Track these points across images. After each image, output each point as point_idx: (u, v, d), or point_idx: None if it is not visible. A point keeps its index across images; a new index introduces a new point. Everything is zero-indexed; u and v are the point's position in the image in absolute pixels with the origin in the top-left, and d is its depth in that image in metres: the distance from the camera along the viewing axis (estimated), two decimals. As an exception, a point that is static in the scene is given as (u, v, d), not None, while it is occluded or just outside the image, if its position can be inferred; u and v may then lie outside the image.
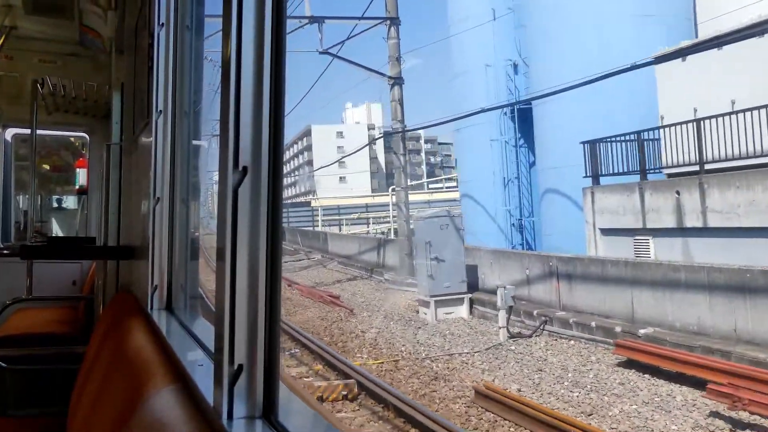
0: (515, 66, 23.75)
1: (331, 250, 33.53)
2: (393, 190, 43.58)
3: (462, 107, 22.62)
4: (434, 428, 7.76)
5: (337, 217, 55.87)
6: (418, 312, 16.53)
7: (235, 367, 1.31)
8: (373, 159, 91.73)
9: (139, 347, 2.08)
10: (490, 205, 23.71)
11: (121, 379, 1.97)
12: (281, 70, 1.35)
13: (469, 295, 16.03)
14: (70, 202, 9.85)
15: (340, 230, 48.65)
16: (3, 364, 3.96)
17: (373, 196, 54.89)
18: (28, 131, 6.00)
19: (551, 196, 20.48)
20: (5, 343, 4.46)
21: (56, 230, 9.53)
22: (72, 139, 9.38)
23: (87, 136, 7.47)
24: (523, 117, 22.87)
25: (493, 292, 14.21)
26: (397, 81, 21.79)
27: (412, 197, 53.03)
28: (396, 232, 45.25)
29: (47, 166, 9.62)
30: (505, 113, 23.42)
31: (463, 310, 15.88)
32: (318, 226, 52.46)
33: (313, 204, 45.36)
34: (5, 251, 5.75)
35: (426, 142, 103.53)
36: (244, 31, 1.35)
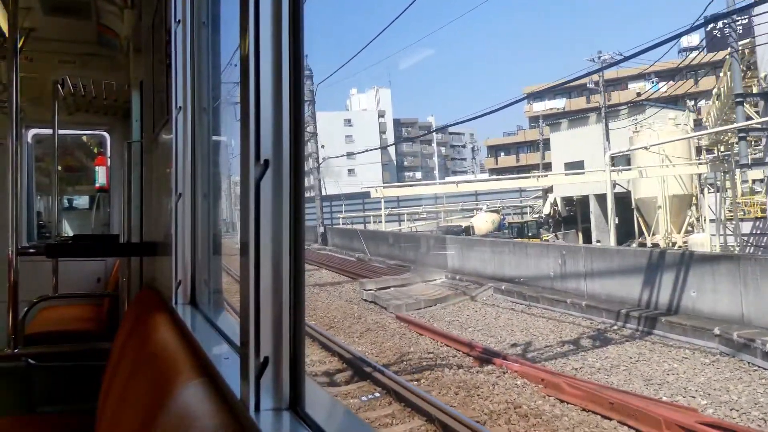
0: None
1: (462, 266, 20.75)
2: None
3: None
4: None
5: (360, 214, 49.38)
6: None
7: (261, 359, 1.32)
8: (383, 150, 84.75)
9: (165, 342, 2.10)
10: None
11: (148, 374, 1.99)
12: (300, 63, 1.35)
13: None
14: (83, 201, 9.91)
15: (365, 227, 43.13)
16: (31, 361, 4.02)
17: (455, 183, 41.97)
18: (50, 131, 6.07)
19: None
20: (33, 340, 4.52)
21: (68, 230, 9.59)
22: (84, 138, 9.43)
23: (107, 135, 7.54)
24: None
25: None
26: None
27: (446, 189, 44.63)
28: (547, 224, 36.00)
29: (59, 167, 9.66)
30: None
31: None
32: (365, 223, 45.70)
33: (373, 195, 38.40)
34: (31, 250, 5.84)
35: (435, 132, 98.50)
36: (261, 25, 1.35)
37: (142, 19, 4.20)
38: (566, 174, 35.99)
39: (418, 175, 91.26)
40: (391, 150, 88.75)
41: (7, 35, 4.05)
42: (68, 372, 4.09)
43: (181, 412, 1.49)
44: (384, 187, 41.39)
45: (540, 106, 63.79)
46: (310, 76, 38.41)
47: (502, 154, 71.10)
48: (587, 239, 34.45)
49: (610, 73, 40.09)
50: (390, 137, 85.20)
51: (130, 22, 4.63)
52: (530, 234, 36.39)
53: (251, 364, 1.31)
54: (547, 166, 48.54)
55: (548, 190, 39.07)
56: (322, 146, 44.66)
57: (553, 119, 47.79)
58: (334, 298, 18.64)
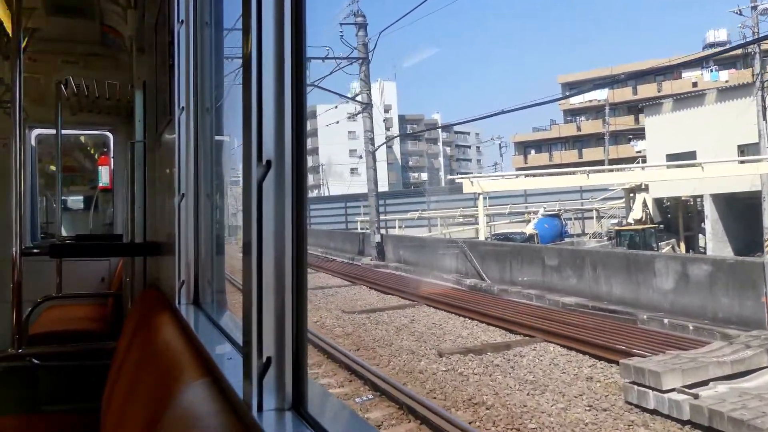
0: None
1: None
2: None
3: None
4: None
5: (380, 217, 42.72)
6: None
7: (264, 359, 1.32)
8: (389, 148, 76.40)
9: (169, 342, 2.10)
10: None
11: (152, 373, 2.00)
12: (302, 63, 1.35)
13: None
14: (77, 202, 9.86)
15: (386, 232, 34.14)
16: (35, 361, 4.04)
17: (586, 173, 31.06)
18: (53, 132, 6.07)
19: None
20: (37, 340, 4.53)
21: (63, 231, 9.49)
22: (82, 139, 9.40)
23: (110, 135, 7.54)
24: None
25: None
26: None
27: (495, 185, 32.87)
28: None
29: (53, 167, 9.57)
30: None
31: None
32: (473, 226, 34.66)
33: (467, 189, 28.71)
34: (35, 250, 5.86)
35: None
36: (264, 25, 1.35)
37: (146, 20, 4.21)
38: (668, 167, 28.26)
39: (424, 175, 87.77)
40: (397, 150, 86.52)
41: (10, 35, 4.05)
42: (72, 371, 4.11)
43: (184, 412, 1.50)
44: (483, 178, 31.97)
45: (577, 99, 57.12)
46: (363, 24, 28.80)
47: (533, 151, 64.46)
48: (690, 249, 28.97)
49: (662, 60, 32.73)
50: (395, 134, 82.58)
51: (133, 22, 4.64)
52: (645, 244, 26.82)
53: (254, 364, 1.32)
54: (613, 162, 42.44)
55: (633, 189, 30.77)
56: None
57: (651, 101, 37.94)
58: (536, 391, 9.34)
